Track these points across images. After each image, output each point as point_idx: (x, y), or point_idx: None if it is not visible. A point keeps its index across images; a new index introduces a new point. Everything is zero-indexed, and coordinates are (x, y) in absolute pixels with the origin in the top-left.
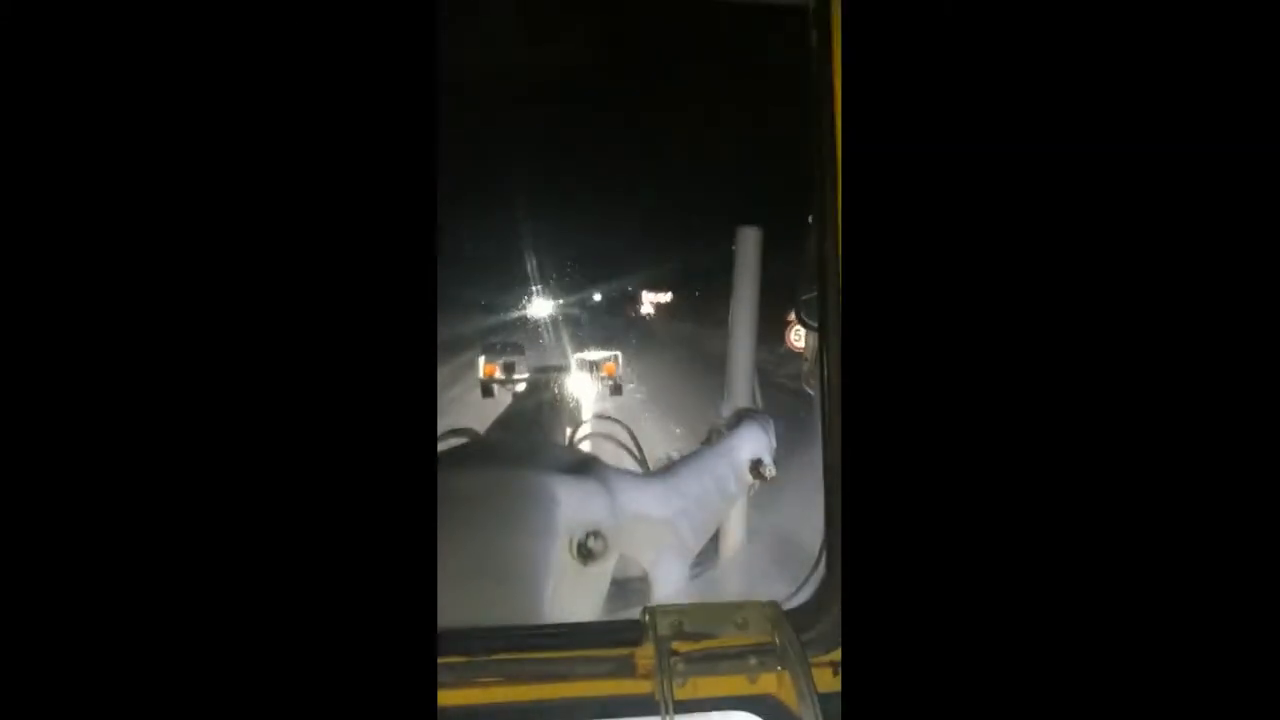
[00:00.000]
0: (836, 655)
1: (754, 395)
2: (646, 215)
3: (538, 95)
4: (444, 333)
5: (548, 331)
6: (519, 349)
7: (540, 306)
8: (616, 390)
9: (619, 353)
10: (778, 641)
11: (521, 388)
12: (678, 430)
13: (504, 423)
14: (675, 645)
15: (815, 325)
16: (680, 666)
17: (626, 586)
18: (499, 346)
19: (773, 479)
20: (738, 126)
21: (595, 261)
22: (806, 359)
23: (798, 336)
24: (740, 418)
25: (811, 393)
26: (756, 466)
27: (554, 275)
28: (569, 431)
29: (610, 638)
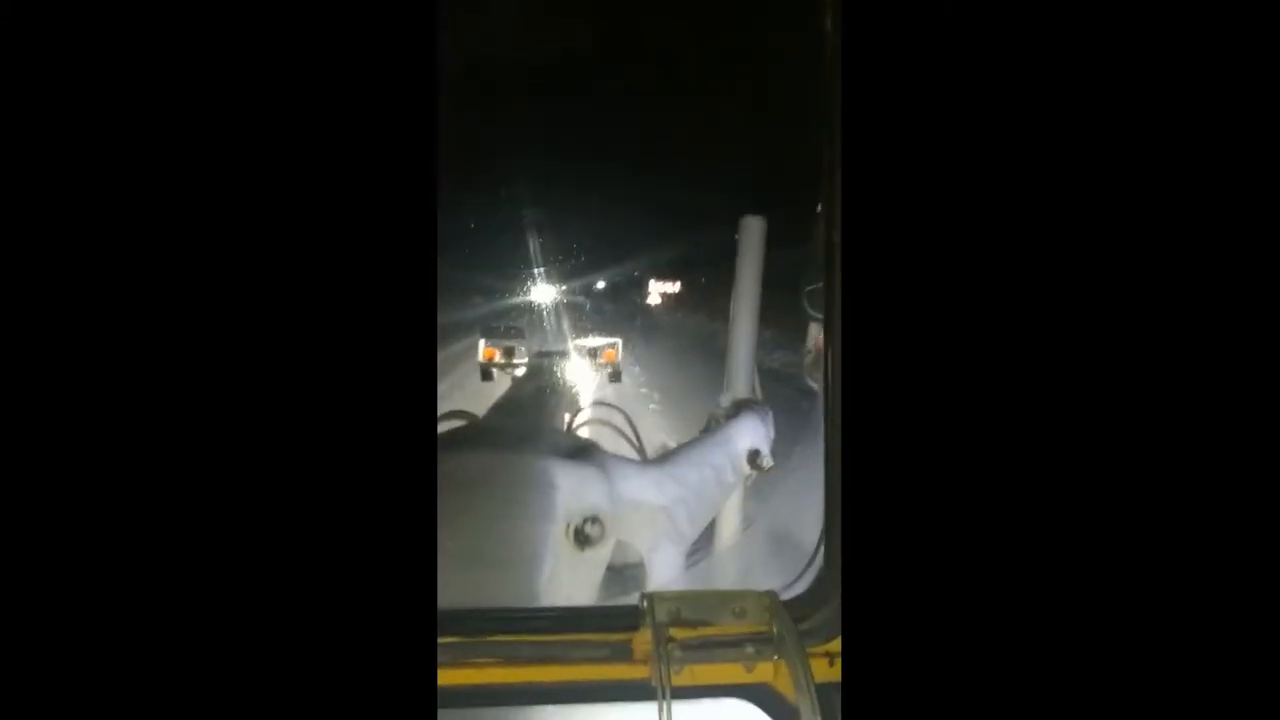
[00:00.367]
0: (833, 645)
1: (754, 386)
2: (652, 201)
3: (541, 80)
4: (443, 317)
5: (549, 317)
6: (519, 333)
7: (542, 292)
8: (616, 377)
9: (619, 340)
10: (775, 631)
11: (521, 372)
12: (677, 418)
13: (502, 407)
14: (673, 632)
15: (820, 316)
16: (677, 653)
17: (622, 573)
18: (499, 330)
19: (771, 470)
20: (747, 113)
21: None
22: (809, 350)
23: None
24: (739, 408)
25: (814, 385)
26: (754, 457)
27: (556, 260)
28: (568, 417)
29: (608, 623)
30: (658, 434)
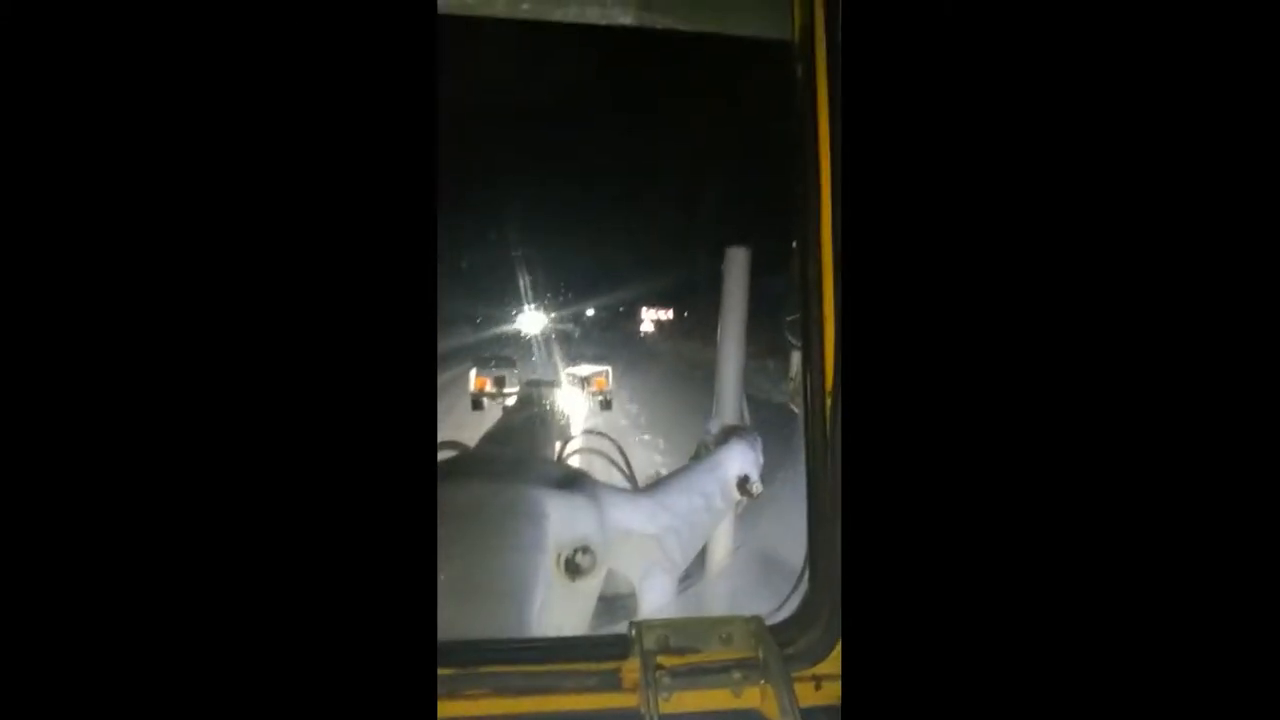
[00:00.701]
0: (819, 669)
1: (742, 412)
2: (641, 233)
3: (533, 118)
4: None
5: (539, 346)
6: (510, 362)
7: (533, 321)
8: (607, 405)
9: (609, 368)
10: (761, 656)
11: (512, 402)
12: (665, 446)
13: (494, 436)
14: (661, 660)
15: (799, 344)
16: (665, 680)
17: (614, 602)
18: (490, 360)
19: (760, 495)
20: (730, 150)
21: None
22: (792, 378)
23: None
24: (728, 435)
25: (796, 410)
26: (744, 483)
27: (548, 291)
28: (559, 446)
29: (597, 652)
30: (649, 461)
